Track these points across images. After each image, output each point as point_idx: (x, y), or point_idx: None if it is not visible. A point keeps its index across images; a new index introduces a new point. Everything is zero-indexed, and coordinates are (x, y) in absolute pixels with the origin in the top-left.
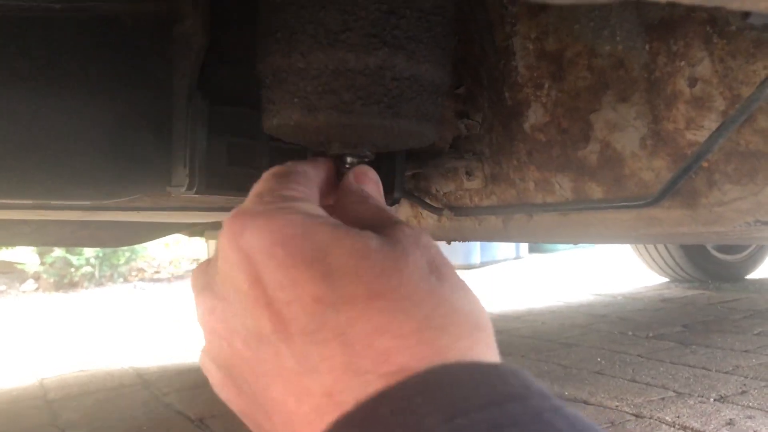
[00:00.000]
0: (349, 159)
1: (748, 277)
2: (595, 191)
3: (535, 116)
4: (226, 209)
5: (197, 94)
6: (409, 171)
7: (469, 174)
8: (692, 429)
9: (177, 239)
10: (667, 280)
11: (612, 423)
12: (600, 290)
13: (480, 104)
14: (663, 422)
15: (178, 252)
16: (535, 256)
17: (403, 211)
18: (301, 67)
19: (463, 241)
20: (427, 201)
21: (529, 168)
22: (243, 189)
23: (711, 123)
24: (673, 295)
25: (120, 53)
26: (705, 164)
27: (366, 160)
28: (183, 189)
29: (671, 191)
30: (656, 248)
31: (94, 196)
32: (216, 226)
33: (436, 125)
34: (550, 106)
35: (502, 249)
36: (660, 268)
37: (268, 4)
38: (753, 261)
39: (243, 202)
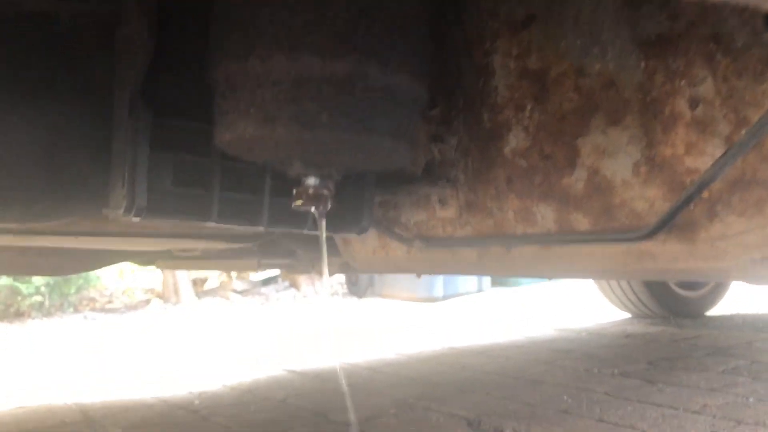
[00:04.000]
0: (312, 181)
1: (708, 313)
2: (581, 222)
3: (516, 140)
4: (176, 236)
5: (140, 104)
6: (377, 197)
7: (442, 202)
8: None
9: (132, 268)
10: (629, 315)
11: None
12: (563, 325)
13: (456, 127)
14: None
15: (132, 282)
16: (498, 289)
17: (370, 242)
18: (258, 73)
19: (435, 274)
20: (397, 231)
21: (509, 196)
22: (191, 213)
23: (714, 149)
24: (636, 331)
25: (54, 57)
26: (706, 194)
27: (330, 184)
28: (120, 211)
29: (670, 222)
30: (619, 284)
31: (23, 217)
32: (168, 255)
33: (410, 144)
34: (532, 130)
35: (465, 282)
36: (622, 303)
37: (222, 3)
38: (712, 297)
39: (192, 228)
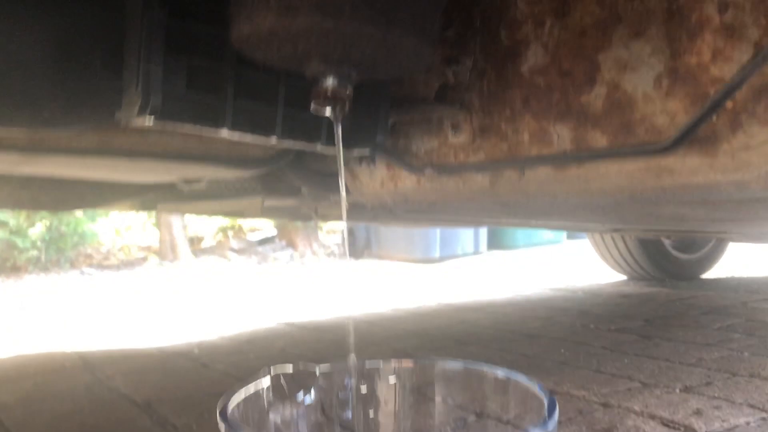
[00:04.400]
0: (330, 81)
1: (704, 276)
2: (599, 140)
3: (534, 58)
4: (183, 157)
5: (154, 4)
6: (391, 118)
7: (455, 128)
8: (661, 418)
9: (128, 224)
10: (626, 277)
11: (580, 412)
12: (560, 285)
13: (471, 48)
14: (631, 411)
15: (129, 239)
16: (495, 252)
17: (378, 174)
18: None
19: (445, 203)
20: (407, 160)
21: (524, 117)
22: (204, 119)
23: (741, 55)
24: (633, 291)
25: None
26: (729, 104)
27: (348, 86)
28: (134, 111)
29: (691, 134)
30: (616, 246)
31: (32, 121)
32: (171, 193)
33: (432, 47)
34: (551, 46)
35: (462, 244)
36: (619, 265)
37: None
38: (709, 260)
39: (200, 145)
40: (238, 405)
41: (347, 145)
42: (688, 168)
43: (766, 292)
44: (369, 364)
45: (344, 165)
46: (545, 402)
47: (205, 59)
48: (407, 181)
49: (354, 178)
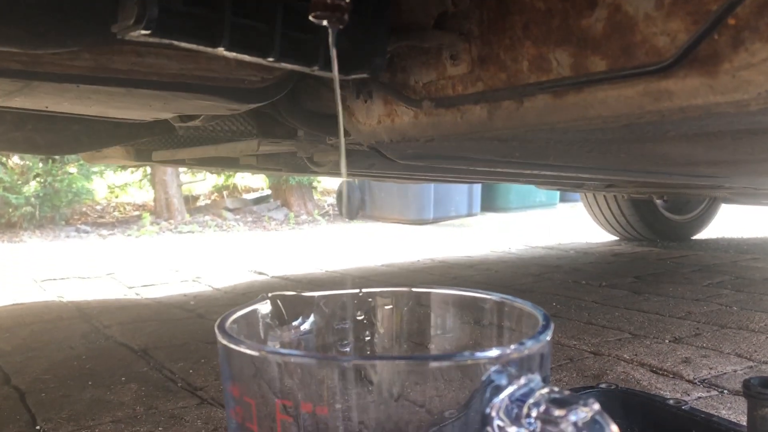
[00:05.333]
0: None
1: (695, 237)
2: (598, 65)
3: None
4: (179, 86)
5: None
6: (390, 45)
7: (453, 58)
8: (650, 365)
9: (123, 182)
10: (618, 238)
11: (571, 359)
12: (552, 245)
13: None
14: (621, 359)
15: (123, 197)
16: (488, 214)
17: (375, 110)
18: None
19: (441, 139)
20: (405, 93)
21: (524, 44)
22: (202, 36)
23: None
24: (624, 251)
25: None
26: (731, 21)
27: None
28: (130, 23)
29: (691, 54)
30: (609, 207)
31: (27, 38)
32: (165, 142)
33: None
34: None
35: (456, 205)
36: (611, 226)
37: None
38: (700, 222)
39: (199, 63)
40: (236, 321)
41: (345, 69)
42: (688, 89)
43: (756, 252)
44: (366, 291)
45: (341, 100)
46: (540, 318)
47: None
48: (404, 116)
49: (350, 116)
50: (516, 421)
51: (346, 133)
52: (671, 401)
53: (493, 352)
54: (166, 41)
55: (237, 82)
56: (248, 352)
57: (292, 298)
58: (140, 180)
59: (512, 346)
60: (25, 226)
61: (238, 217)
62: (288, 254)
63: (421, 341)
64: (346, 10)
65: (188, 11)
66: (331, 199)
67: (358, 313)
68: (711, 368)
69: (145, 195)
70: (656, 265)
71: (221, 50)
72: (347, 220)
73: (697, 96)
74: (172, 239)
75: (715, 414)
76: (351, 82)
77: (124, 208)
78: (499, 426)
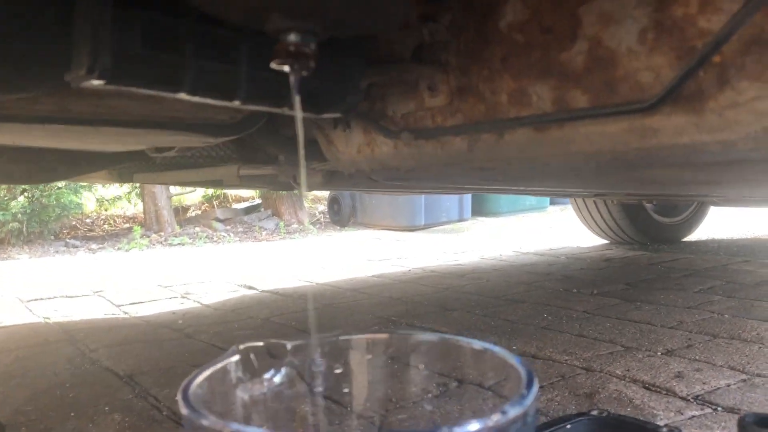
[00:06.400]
0: (292, 38)
1: (685, 239)
2: (580, 100)
3: (513, 13)
4: (145, 124)
5: None
6: (365, 80)
7: (431, 89)
8: (642, 381)
9: (112, 195)
10: (608, 242)
11: (563, 377)
12: (544, 251)
13: (449, 3)
14: (613, 375)
15: (112, 210)
16: (479, 219)
17: (355, 139)
18: None
19: (422, 169)
20: (383, 125)
21: (503, 77)
22: (161, 81)
23: (731, 4)
24: (615, 255)
25: None
26: (717, 59)
27: (311, 44)
28: (83, 72)
29: (676, 91)
30: (599, 211)
31: None
32: (144, 160)
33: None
34: (531, 1)
35: (447, 211)
36: (601, 230)
37: None
38: (689, 224)
39: (163, 109)
40: (201, 384)
41: (317, 108)
42: (673, 128)
43: (746, 254)
44: (342, 338)
45: (319, 130)
46: (523, 374)
47: (162, 14)
48: (384, 146)
49: (329, 144)
50: None
51: (326, 160)
52: (665, 429)
53: (473, 427)
54: (124, 88)
55: (206, 120)
56: (209, 426)
57: (262, 349)
58: (129, 193)
59: (494, 418)
60: (13, 242)
61: (228, 227)
62: (278, 266)
63: (399, 397)
64: (312, 56)
65: (146, 55)
66: (322, 207)
67: (335, 364)
68: (704, 383)
69: (135, 207)
70: (647, 270)
71: (183, 95)
72: (339, 227)
73: (683, 134)
74: (162, 252)
75: None
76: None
77: (114, 221)
78: None
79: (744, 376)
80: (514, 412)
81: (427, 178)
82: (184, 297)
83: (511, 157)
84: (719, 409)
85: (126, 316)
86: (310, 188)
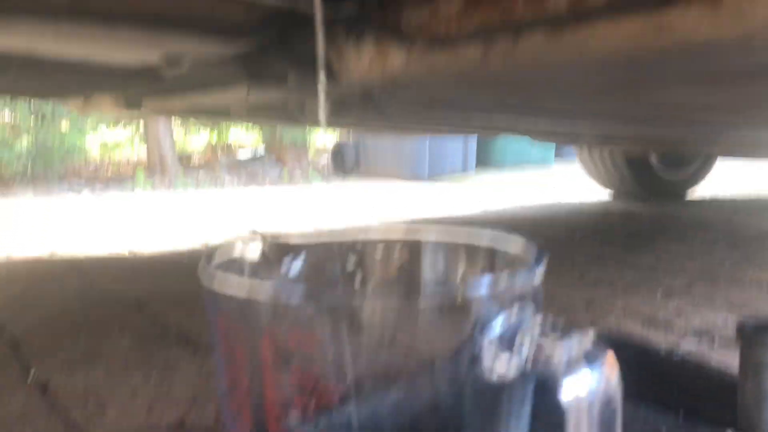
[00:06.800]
0: None
1: (689, 196)
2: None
3: None
4: (161, 22)
5: None
6: None
7: None
8: (643, 314)
9: (116, 140)
10: (612, 195)
11: (564, 310)
12: (547, 202)
13: None
14: (613, 310)
15: (117, 155)
16: (484, 171)
17: (367, 49)
18: None
19: (435, 86)
20: (397, 35)
21: None
22: None
23: None
24: (618, 209)
25: None
26: None
27: None
28: None
29: None
30: (604, 163)
31: None
32: (154, 89)
33: None
34: None
35: (451, 163)
36: (606, 183)
37: None
38: (694, 180)
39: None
40: (220, 264)
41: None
42: (689, 23)
43: (750, 209)
44: (359, 228)
45: (330, 44)
46: (533, 252)
47: None
48: (396, 59)
49: (340, 57)
50: (508, 349)
51: (336, 78)
52: (662, 350)
53: (485, 283)
54: None
55: (221, 18)
56: (232, 292)
57: (279, 240)
58: (133, 136)
59: (505, 277)
60: (18, 183)
61: (232, 174)
62: (283, 212)
63: (414, 279)
64: None
65: None
66: (326, 158)
67: (349, 255)
68: (703, 318)
69: (139, 153)
70: (650, 221)
71: None
72: (342, 177)
73: (699, 29)
74: (167, 197)
75: (706, 363)
76: (341, 21)
77: (118, 166)
78: (491, 355)
79: (743, 313)
80: (524, 274)
81: (439, 101)
82: (188, 238)
83: (525, 65)
84: (716, 339)
85: (132, 253)
86: (318, 120)
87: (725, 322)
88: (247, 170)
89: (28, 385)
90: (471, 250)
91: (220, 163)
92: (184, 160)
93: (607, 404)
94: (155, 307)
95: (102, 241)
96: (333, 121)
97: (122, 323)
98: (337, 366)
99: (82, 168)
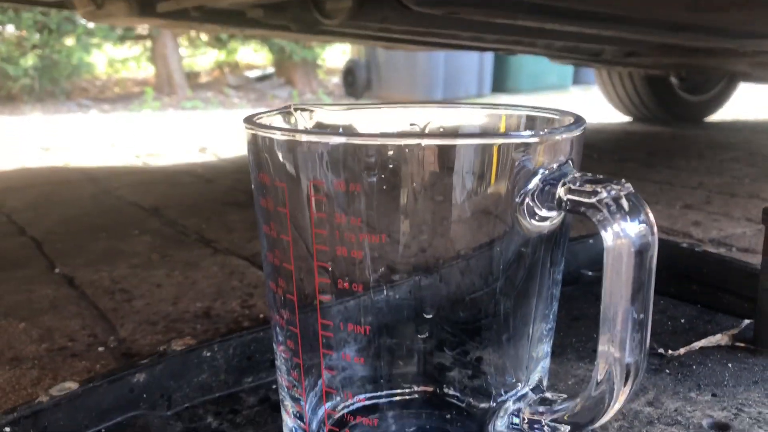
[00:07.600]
0: None
1: (709, 120)
2: None
3: None
4: None
5: None
6: None
7: None
8: (661, 227)
9: (124, 56)
10: (631, 119)
11: (581, 221)
12: None
13: None
14: None
15: (124, 73)
16: (499, 95)
17: None
18: None
19: None
20: None
21: None
22: None
23: None
24: (637, 130)
25: None
26: None
27: None
28: None
29: None
30: (623, 85)
31: None
32: None
33: None
34: None
35: (465, 85)
36: (625, 106)
37: None
38: (715, 103)
39: None
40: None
41: None
42: None
43: None
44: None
45: None
46: (572, 117)
47: None
48: None
49: None
50: (548, 202)
51: None
52: (685, 244)
53: (526, 134)
54: None
55: None
56: (279, 136)
57: (318, 110)
58: (140, 54)
59: (545, 131)
60: (25, 100)
61: (240, 94)
62: None
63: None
64: None
65: None
66: (336, 79)
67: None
68: (721, 230)
69: (146, 71)
70: (669, 142)
71: None
72: (354, 99)
73: None
74: (175, 114)
75: (727, 256)
76: None
77: (125, 84)
78: (530, 208)
79: (760, 226)
80: (564, 131)
81: None
82: (200, 151)
83: None
84: (734, 248)
85: (145, 164)
86: (338, 17)
87: (743, 233)
88: (255, 91)
89: (56, 279)
90: (509, 117)
91: (228, 83)
92: (192, 77)
93: (645, 250)
94: (172, 213)
95: (114, 153)
96: (353, 23)
97: (141, 226)
98: (378, 204)
99: (89, 86)
